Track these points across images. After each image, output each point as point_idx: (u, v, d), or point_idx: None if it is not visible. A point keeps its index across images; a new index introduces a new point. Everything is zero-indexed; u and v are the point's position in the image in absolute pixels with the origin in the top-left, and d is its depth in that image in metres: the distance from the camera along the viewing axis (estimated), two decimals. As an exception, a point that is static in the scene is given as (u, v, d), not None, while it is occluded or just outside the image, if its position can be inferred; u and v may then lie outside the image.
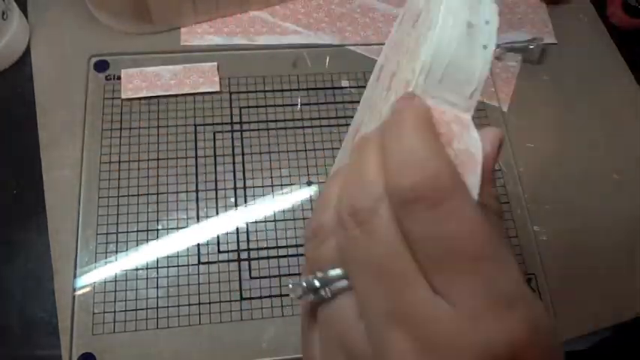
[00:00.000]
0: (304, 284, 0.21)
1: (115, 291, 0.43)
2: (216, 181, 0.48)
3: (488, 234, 0.18)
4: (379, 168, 0.19)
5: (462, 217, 0.18)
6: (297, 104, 0.52)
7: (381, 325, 0.18)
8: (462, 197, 0.18)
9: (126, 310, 0.42)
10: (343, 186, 0.20)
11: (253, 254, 0.45)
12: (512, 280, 0.18)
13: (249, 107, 0.51)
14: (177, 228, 0.46)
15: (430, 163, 0.18)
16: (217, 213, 0.47)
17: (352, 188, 0.20)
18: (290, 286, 0.21)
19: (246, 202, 0.47)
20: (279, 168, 0.49)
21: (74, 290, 0.43)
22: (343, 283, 0.20)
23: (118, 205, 0.46)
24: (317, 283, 0.20)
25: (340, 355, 0.20)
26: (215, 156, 0.49)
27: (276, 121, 0.51)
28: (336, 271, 0.20)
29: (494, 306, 0.17)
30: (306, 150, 0.50)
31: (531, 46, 0.56)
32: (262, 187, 0.48)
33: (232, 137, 0.50)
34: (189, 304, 0.43)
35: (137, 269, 0.44)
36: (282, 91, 0.52)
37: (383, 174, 0.19)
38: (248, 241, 0.46)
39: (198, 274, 0.44)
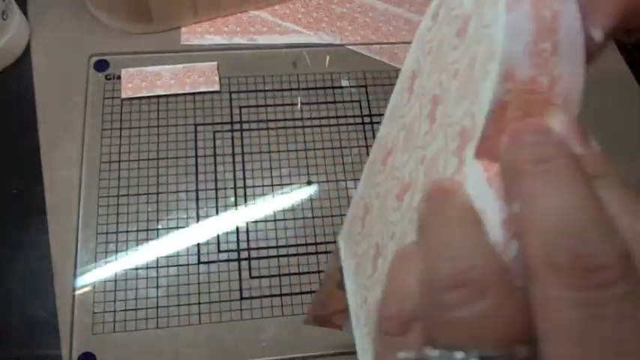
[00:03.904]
0: None
1: (115, 290, 0.43)
2: (216, 181, 0.48)
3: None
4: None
5: None
6: (297, 104, 0.52)
7: None
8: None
9: (126, 310, 0.42)
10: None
11: (253, 254, 0.45)
12: None
13: (249, 107, 0.51)
14: (177, 228, 0.46)
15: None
16: (217, 213, 0.47)
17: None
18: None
19: (246, 201, 0.47)
20: (279, 168, 0.49)
21: (74, 290, 0.42)
22: None
23: (118, 205, 0.46)
24: None
25: None
26: (215, 156, 0.49)
27: (276, 120, 0.51)
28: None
29: None
30: (306, 150, 0.50)
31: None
32: (262, 186, 0.48)
33: (232, 137, 0.50)
34: (189, 304, 0.43)
35: (137, 269, 0.44)
36: (282, 90, 0.52)
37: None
38: (248, 240, 0.46)
39: (198, 273, 0.44)
